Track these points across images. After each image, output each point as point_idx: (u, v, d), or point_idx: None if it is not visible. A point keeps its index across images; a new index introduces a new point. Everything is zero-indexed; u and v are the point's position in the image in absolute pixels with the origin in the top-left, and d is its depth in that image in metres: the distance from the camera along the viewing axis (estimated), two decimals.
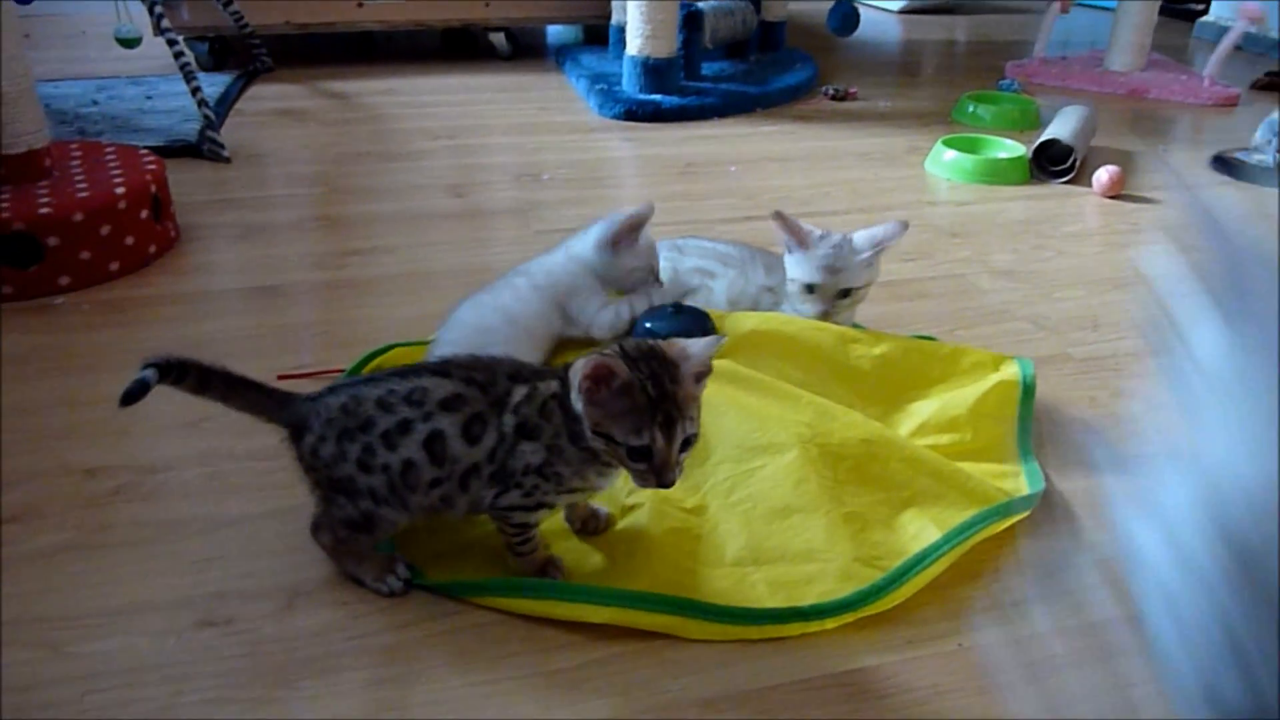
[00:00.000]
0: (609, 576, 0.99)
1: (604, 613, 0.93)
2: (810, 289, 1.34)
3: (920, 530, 1.05)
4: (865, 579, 0.99)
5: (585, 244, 1.36)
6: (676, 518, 1.06)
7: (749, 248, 1.48)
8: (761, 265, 1.44)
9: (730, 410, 1.15)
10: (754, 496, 1.07)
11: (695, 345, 0.89)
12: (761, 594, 0.98)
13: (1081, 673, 0.91)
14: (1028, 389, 1.29)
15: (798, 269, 1.35)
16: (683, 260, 1.47)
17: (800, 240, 1.34)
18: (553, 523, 1.05)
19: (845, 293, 1.35)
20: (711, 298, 1.43)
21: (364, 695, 0.87)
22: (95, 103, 2.54)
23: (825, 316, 1.35)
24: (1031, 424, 1.26)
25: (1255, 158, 2.34)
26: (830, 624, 0.95)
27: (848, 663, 0.92)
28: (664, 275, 1.42)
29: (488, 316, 1.29)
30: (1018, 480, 1.16)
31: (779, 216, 1.33)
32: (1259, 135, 2.34)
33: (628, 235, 1.33)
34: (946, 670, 0.91)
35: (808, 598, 0.97)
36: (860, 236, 1.34)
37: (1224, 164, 2.36)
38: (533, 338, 1.30)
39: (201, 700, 0.86)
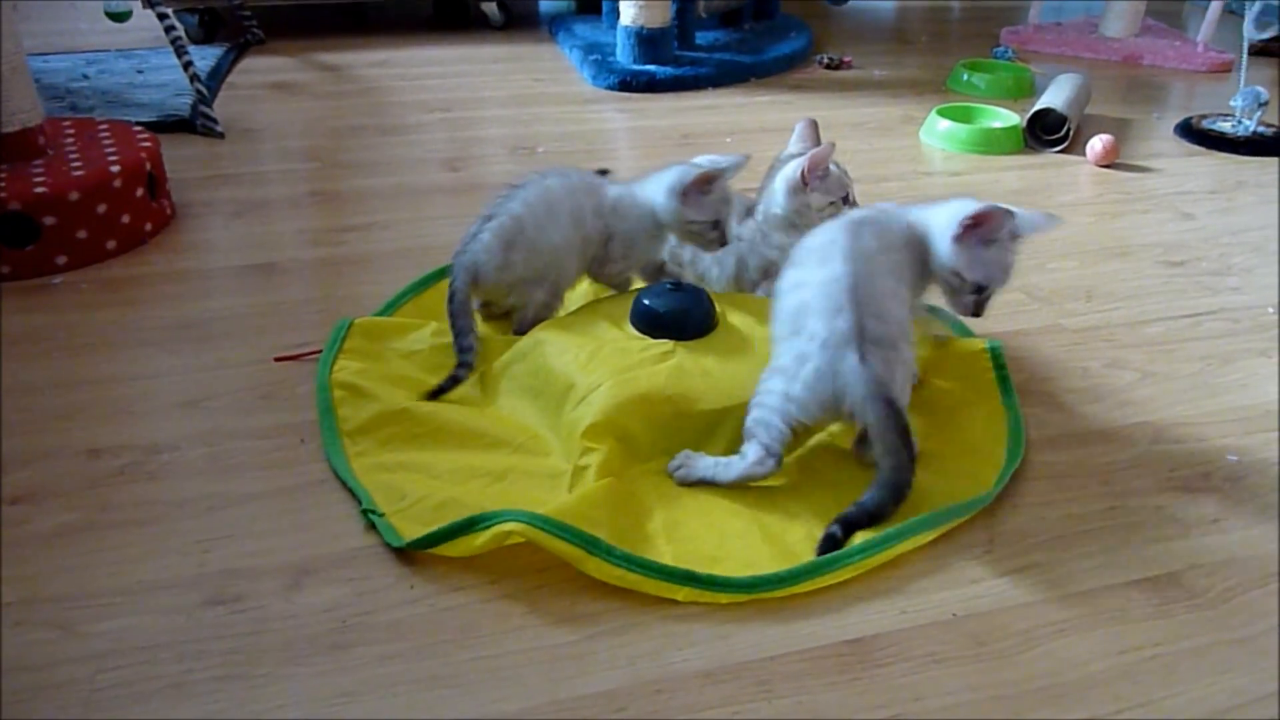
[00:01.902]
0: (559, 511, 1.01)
1: (530, 532, 0.97)
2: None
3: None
4: (768, 569, 1.00)
5: (658, 187, 1.33)
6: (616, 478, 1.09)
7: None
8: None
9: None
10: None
11: None
12: (664, 559, 1.00)
13: (1074, 640, 0.93)
14: (1015, 427, 1.23)
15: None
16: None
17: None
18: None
19: None
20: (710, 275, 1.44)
21: (372, 670, 0.89)
22: (86, 77, 2.52)
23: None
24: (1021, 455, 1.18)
25: (1226, 124, 2.31)
26: (723, 599, 0.97)
27: (845, 633, 0.94)
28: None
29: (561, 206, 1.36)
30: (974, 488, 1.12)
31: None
32: (1238, 102, 2.29)
33: (696, 189, 1.30)
34: (942, 639, 0.93)
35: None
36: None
37: (1190, 132, 2.33)
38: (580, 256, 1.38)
39: (212, 677, 0.88)
